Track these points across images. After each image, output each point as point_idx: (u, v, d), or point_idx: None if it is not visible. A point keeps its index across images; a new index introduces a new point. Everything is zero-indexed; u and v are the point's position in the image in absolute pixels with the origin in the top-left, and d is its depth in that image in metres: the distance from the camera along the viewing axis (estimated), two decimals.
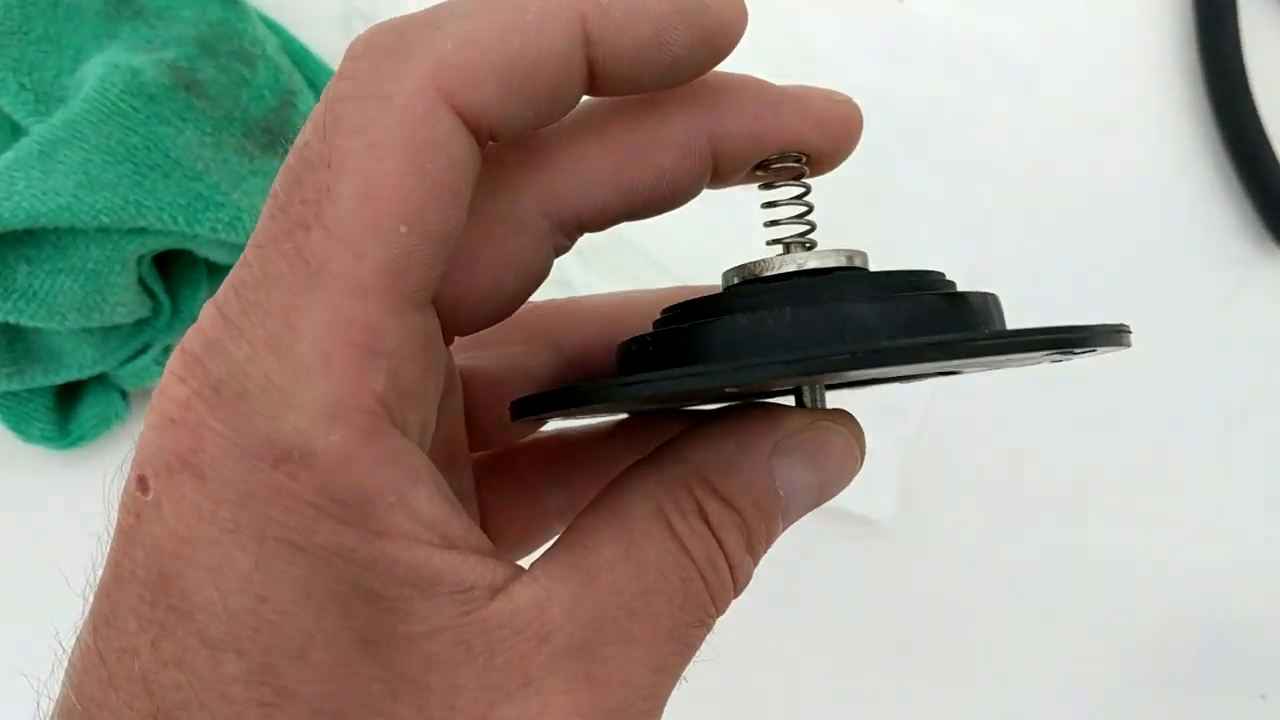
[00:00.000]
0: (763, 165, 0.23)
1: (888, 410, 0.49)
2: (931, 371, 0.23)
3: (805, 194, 0.24)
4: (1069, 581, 0.49)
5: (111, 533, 0.18)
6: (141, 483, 0.18)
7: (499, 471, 0.27)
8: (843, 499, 0.48)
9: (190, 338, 0.18)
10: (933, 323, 0.20)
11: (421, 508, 0.18)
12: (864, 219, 0.50)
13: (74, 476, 0.48)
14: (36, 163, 0.40)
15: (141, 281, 0.45)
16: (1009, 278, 0.49)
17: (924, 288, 0.22)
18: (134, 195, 0.42)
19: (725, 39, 0.21)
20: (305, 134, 0.19)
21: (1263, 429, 0.49)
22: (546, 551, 0.21)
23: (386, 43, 0.19)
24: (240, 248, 0.21)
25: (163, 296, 0.47)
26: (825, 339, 0.20)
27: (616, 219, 0.22)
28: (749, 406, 0.23)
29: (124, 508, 0.18)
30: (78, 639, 0.19)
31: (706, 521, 0.21)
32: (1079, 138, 0.50)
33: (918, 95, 0.50)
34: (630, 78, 0.20)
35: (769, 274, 0.22)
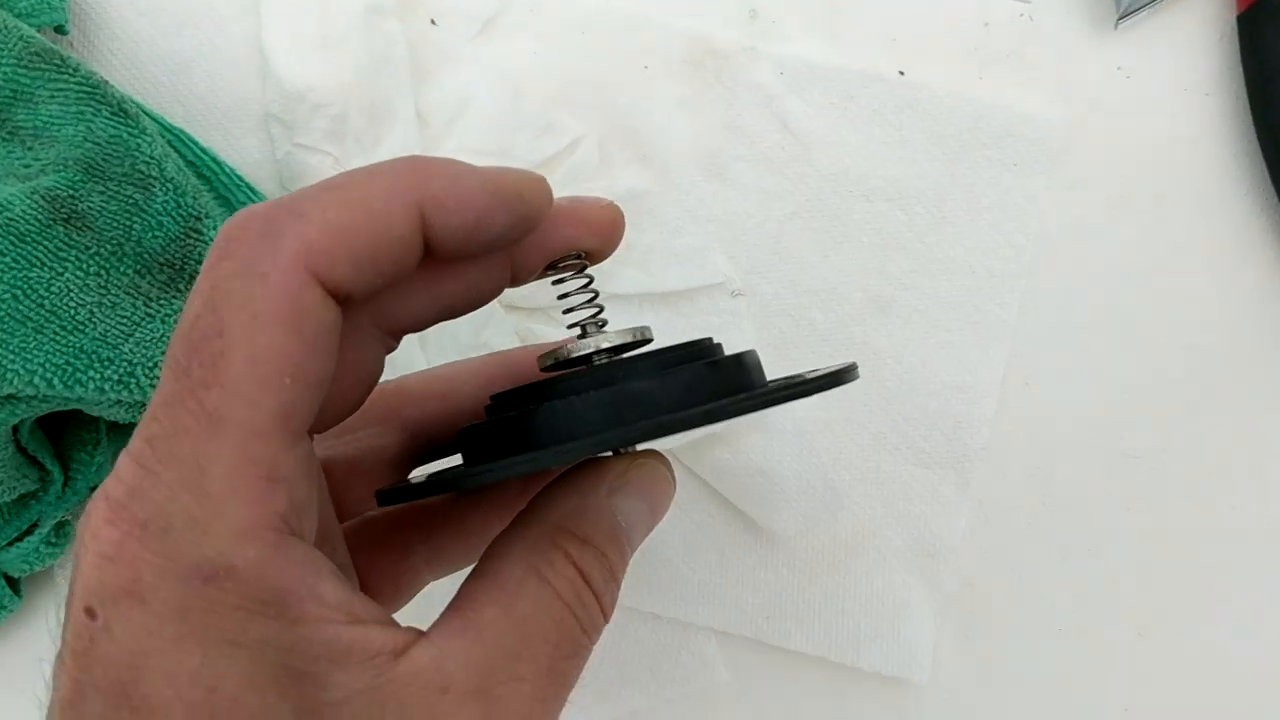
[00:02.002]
0: (551, 265, 0.28)
1: (925, 554, 0.42)
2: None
3: (590, 282, 0.29)
4: None
5: (62, 657, 0.21)
6: (89, 612, 0.21)
7: (368, 539, 0.31)
8: (876, 660, 0.41)
9: (111, 486, 0.21)
10: (705, 387, 0.25)
11: (327, 595, 0.22)
12: (873, 328, 0.43)
13: None
14: None
15: (23, 451, 0.38)
16: (1046, 385, 0.43)
17: (696, 357, 0.27)
18: None
19: (536, 219, 0.26)
20: (196, 307, 0.22)
21: None
22: (439, 617, 0.24)
23: (260, 228, 0.22)
24: (138, 405, 0.27)
25: (51, 466, 0.39)
26: (624, 416, 0.25)
27: (433, 321, 0.27)
28: (578, 466, 0.27)
29: (75, 635, 0.21)
30: None
31: (575, 568, 0.25)
32: (1117, 220, 0.43)
33: (925, 180, 0.43)
34: (459, 250, 0.25)
35: (575, 355, 0.27)
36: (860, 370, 0.31)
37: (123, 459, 0.22)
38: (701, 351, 0.27)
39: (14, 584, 0.41)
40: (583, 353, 0.27)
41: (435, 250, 0.24)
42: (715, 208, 0.43)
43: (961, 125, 0.43)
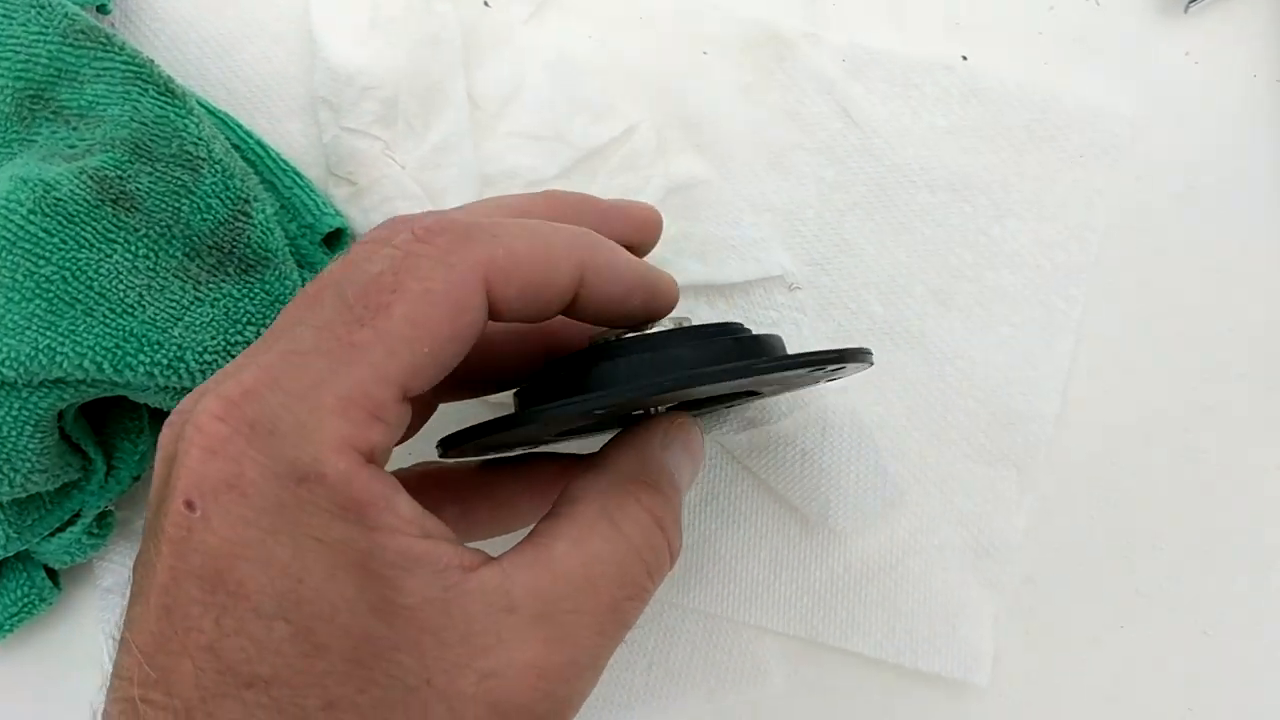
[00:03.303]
0: None
1: (985, 553, 0.41)
2: (742, 389, 0.32)
3: None
4: None
5: (154, 549, 0.23)
6: (189, 504, 0.23)
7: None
8: (934, 662, 0.40)
9: (228, 386, 0.24)
10: (731, 356, 0.29)
11: (403, 509, 0.24)
12: (934, 322, 0.41)
13: None
14: None
15: (66, 439, 0.37)
16: (1110, 380, 0.42)
17: (725, 334, 0.31)
18: (46, 340, 0.34)
19: (663, 311, 0.31)
20: (379, 265, 0.25)
21: None
22: (512, 549, 0.26)
23: (461, 232, 0.26)
24: (185, 392, 0.29)
25: (95, 454, 0.38)
26: (662, 372, 0.28)
27: (474, 396, 0.33)
28: (631, 430, 0.30)
29: (174, 525, 0.23)
30: (123, 640, 0.24)
31: (645, 509, 0.28)
32: (1185, 212, 0.42)
33: (990, 171, 0.42)
34: (594, 314, 0.29)
35: (628, 336, 0.31)
36: (919, 363, 0.40)
37: (248, 364, 0.24)
38: (730, 330, 0.31)
39: (54, 576, 0.40)
40: (629, 337, 0.31)
41: (575, 307, 0.28)
42: (774, 198, 0.42)
43: (1027, 115, 0.42)
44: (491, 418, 0.29)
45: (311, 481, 0.23)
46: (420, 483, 0.34)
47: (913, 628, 0.41)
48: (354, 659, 0.23)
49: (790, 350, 0.32)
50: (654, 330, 0.30)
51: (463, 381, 0.33)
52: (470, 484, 0.34)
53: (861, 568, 0.41)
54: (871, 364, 0.32)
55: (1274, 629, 0.41)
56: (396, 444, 0.26)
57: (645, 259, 0.31)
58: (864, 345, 0.31)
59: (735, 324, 0.32)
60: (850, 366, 0.32)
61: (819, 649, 0.42)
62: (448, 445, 0.30)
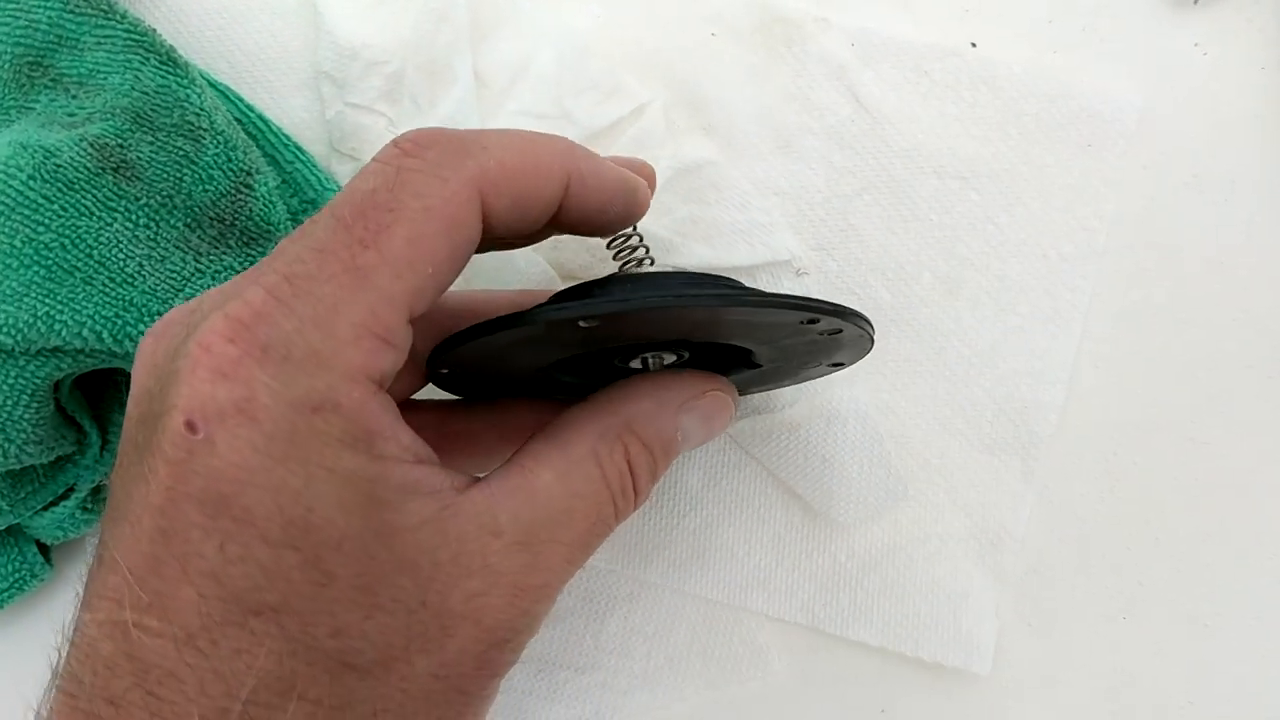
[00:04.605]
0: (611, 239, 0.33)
1: (989, 543, 0.41)
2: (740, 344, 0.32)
3: (642, 239, 0.33)
4: None
5: (148, 467, 0.23)
6: (190, 425, 0.22)
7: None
8: (936, 650, 0.39)
9: (236, 307, 0.23)
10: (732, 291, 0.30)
11: (403, 439, 0.25)
12: (941, 310, 0.41)
13: None
14: None
15: (61, 411, 0.36)
16: (1116, 371, 0.41)
17: (734, 284, 0.31)
18: (45, 308, 0.33)
19: (640, 216, 0.31)
20: (373, 181, 0.25)
21: None
22: (497, 469, 0.27)
23: (452, 145, 0.26)
24: None
25: (90, 428, 0.37)
26: (668, 290, 0.29)
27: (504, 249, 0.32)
28: (657, 377, 0.31)
29: (172, 445, 0.22)
30: (107, 558, 0.23)
31: (628, 461, 0.28)
32: (1193, 203, 0.42)
33: (999, 160, 0.42)
34: (578, 223, 0.29)
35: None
36: (926, 351, 0.41)
37: (250, 285, 0.24)
38: (730, 280, 0.31)
39: (45, 552, 0.39)
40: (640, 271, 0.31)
41: (562, 216, 0.28)
42: (781, 182, 0.42)
43: (1037, 103, 0.42)
44: (487, 320, 0.28)
45: (327, 411, 0.23)
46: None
47: (915, 616, 0.41)
48: (360, 585, 0.23)
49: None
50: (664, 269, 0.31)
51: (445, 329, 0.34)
52: (441, 424, 0.34)
53: (864, 556, 0.41)
54: (871, 343, 0.32)
55: (1276, 620, 0.41)
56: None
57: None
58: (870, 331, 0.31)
59: (736, 280, 0.32)
60: (849, 345, 0.32)
61: (820, 637, 0.41)
62: (441, 351, 0.29)
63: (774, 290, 0.42)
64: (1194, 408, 0.41)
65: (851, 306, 0.29)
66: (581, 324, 0.26)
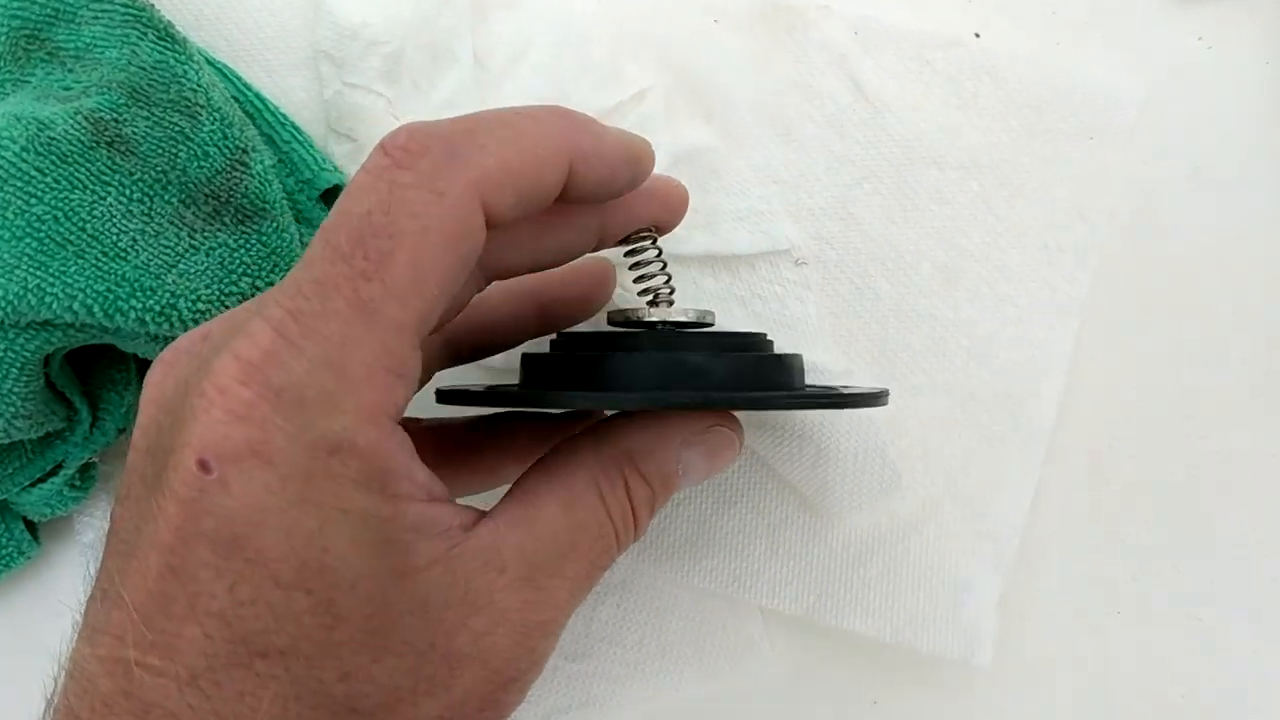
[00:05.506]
0: (626, 238, 0.31)
1: (986, 535, 0.40)
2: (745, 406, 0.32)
3: (660, 254, 0.32)
4: None
5: (155, 504, 0.23)
6: (203, 465, 0.22)
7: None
8: (934, 643, 0.39)
9: (244, 348, 0.23)
10: (750, 375, 0.29)
11: (418, 476, 0.24)
12: (940, 300, 0.41)
13: None
14: None
15: (51, 386, 0.36)
16: (1115, 363, 0.41)
17: (748, 348, 0.31)
18: (36, 280, 0.33)
19: (646, 175, 0.30)
20: (366, 203, 0.24)
21: None
22: (500, 501, 0.27)
23: (444, 150, 0.24)
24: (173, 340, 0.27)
25: (80, 404, 0.37)
26: (677, 382, 0.28)
27: (524, 272, 0.30)
28: (642, 412, 0.30)
29: (184, 484, 0.22)
30: (111, 594, 0.23)
31: (628, 494, 0.28)
32: (1194, 196, 0.42)
33: (1000, 150, 0.41)
34: (585, 197, 0.28)
35: (643, 320, 0.31)
36: (924, 341, 0.41)
37: (259, 324, 0.23)
38: (753, 344, 0.31)
39: (33, 529, 0.39)
40: (651, 319, 0.31)
41: (567, 196, 0.27)
42: (781, 170, 0.42)
43: (1039, 94, 0.42)
44: (499, 386, 0.29)
45: (344, 453, 0.23)
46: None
47: (913, 608, 0.40)
48: (370, 628, 0.23)
49: (802, 349, 0.33)
50: (673, 320, 0.31)
51: (458, 349, 0.33)
52: (454, 444, 0.34)
53: (861, 546, 0.41)
54: (885, 402, 0.31)
55: (1271, 615, 0.41)
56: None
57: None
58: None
59: (759, 335, 0.31)
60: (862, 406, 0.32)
61: (813, 628, 0.41)
62: (448, 399, 0.30)
63: (771, 279, 0.41)
64: (1192, 400, 0.41)
65: (876, 389, 0.29)
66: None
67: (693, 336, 0.30)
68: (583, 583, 0.27)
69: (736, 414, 0.32)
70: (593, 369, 0.29)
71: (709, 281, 0.41)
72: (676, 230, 0.40)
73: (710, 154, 0.41)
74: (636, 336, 0.30)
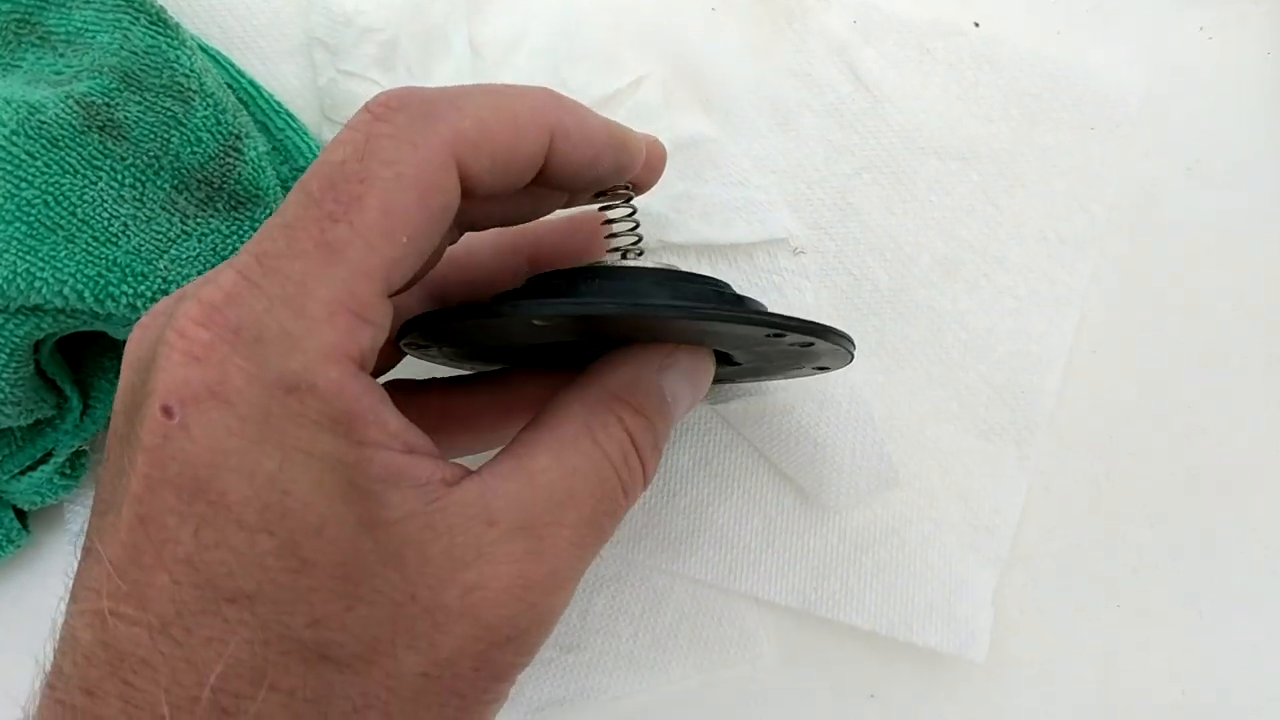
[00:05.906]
0: (600, 193, 0.31)
1: (983, 528, 0.40)
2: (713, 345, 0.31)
3: (634, 213, 0.31)
4: None
5: (126, 457, 0.22)
6: (167, 410, 0.22)
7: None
8: (930, 636, 0.39)
9: (207, 291, 0.23)
10: (709, 301, 0.29)
11: (389, 423, 0.23)
12: (938, 292, 0.41)
13: None
14: None
15: (41, 373, 0.36)
16: (1114, 356, 0.41)
17: (710, 285, 0.30)
18: (25, 264, 0.32)
19: (633, 169, 0.30)
20: (342, 152, 0.24)
21: None
22: (491, 459, 0.26)
23: (422, 107, 0.24)
24: None
25: (71, 392, 0.37)
26: (648, 297, 0.28)
27: (495, 225, 0.30)
28: (629, 345, 0.29)
29: (149, 432, 0.22)
30: (90, 549, 0.23)
31: (626, 432, 0.27)
32: (1194, 188, 0.41)
33: (1000, 141, 0.41)
34: (565, 179, 0.28)
35: (613, 264, 0.30)
36: (922, 333, 0.41)
37: (224, 269, 0.23)
38: (713, 282, 0.31)
39: (23, 518, 0.39)
40: (611, 265, 0.30)
41: (546, 174, 0.27)
42: (780, 159, 0.41)
43: (1039, 84, 0.41)
44: (460, 304, 0.27)
45: (302, 392, 0.22)
46: (395, 400, 0.33)
47: (909, 601, 0.40)
48: (340, 575, 0.22)
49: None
50: (641, 264, 0.30)
51: (446, 304, 0.33)
52: (443, 404, 0.33)
53: (857, 539, 0.41)
54: (851, 358, 0.31)
55: (1270, 609, 0.40)
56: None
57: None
58: (848, 329, 0.30)
59: (722, 281, 0.31)
60: (827, 355, 0.31)
61: (809, 620, 0.41)
62: (410, 329, 0.29)
63: (769, 269, 0.41)
64: (1191, 394, 0.41)
65: (825, 323, 0.28)
66: (536, 323, 0.26)
67: (654, 270, 0.30)
68: (587, 532, 0.26)
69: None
70: (549, 291, 0.28)
71: (706, 270, 0.41)
72: (673, 219, 0.40)
73: (708, 143, 0.41)
74: (596, 269, 0.30)
